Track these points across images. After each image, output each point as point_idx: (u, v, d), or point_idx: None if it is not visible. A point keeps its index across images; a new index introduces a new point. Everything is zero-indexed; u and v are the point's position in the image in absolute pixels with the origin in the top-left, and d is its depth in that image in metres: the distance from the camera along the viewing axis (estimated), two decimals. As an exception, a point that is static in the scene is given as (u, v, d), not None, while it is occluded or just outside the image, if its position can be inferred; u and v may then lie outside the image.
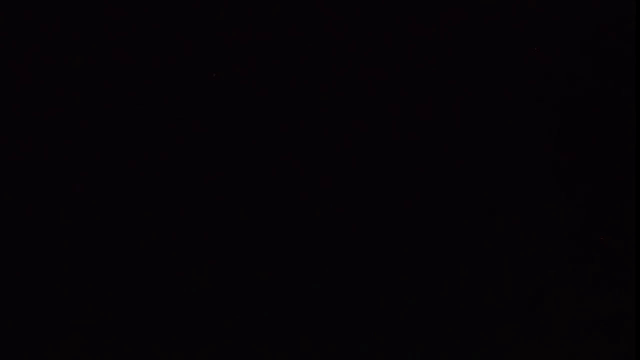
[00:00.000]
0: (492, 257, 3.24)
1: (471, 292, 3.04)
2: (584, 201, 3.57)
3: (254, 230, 3.42)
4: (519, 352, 2.82)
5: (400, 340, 2.90)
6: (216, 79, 4.35)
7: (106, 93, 4.27)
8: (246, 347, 2.89)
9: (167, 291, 3.06)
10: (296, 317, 2.97)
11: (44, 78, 4.24)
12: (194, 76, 3.81)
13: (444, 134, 3.70)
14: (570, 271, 3.16)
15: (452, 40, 4.29)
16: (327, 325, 2.92)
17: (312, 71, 3.62)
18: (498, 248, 3.31)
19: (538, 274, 3.13)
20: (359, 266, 3.20)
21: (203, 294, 3.06)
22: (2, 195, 3.67)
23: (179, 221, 3.45)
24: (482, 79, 4.04)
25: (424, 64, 3.89)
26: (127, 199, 3.65)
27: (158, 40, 4.30)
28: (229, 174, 3.42)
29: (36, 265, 3.19)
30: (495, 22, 4.21)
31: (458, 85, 4.03)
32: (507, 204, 3.49)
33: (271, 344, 2.91)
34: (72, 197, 3.65)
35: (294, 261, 3.22)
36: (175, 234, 3.37)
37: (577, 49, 4.09)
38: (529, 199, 3.42)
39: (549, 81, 4.12)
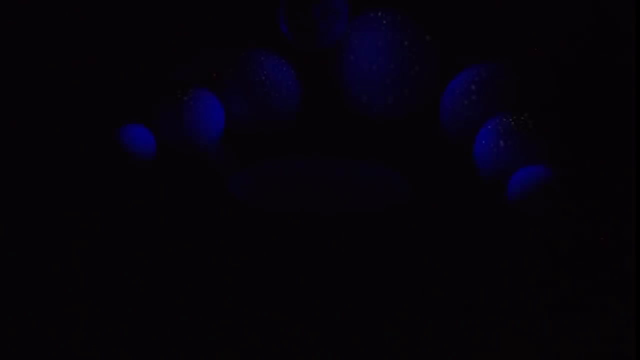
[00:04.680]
0: (491, 256, 3.24)
1: (470, 291, 3.04)
2: (583, 201, 3.57)
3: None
4: (519, 352, 2.82)
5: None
6: (216, 78, 4.36)
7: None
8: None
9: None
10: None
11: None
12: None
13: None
14: (570, 271, 3.16)
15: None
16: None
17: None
18: (498, 246, 3.31)
19: (537, 274, 3.14)
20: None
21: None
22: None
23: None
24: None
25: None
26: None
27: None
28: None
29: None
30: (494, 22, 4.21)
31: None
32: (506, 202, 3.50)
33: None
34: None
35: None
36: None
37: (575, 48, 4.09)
38: (529, 196, 3.42)
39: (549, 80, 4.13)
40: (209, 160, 4.10)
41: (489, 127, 3.70)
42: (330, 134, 4.37)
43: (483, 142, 3.69)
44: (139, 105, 4.14)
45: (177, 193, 3.71)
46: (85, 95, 4.29)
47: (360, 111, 4.39)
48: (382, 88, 4.30)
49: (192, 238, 3.33)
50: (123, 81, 4.29)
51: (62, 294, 2.99)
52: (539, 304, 2.97)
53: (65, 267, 3.13)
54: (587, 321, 2.88)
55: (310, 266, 3.15)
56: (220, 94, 4.20)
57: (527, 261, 3.22)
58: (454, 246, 3.30)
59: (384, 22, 4.28)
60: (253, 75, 4.23)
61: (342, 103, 4.43)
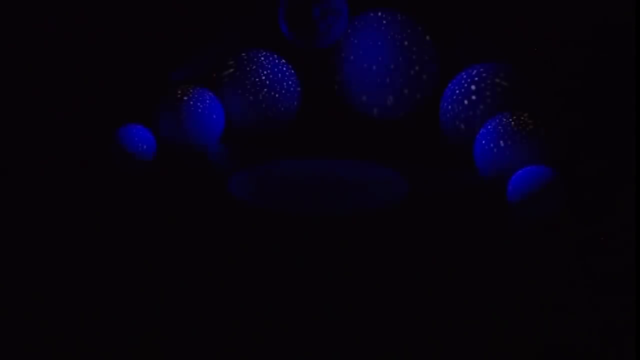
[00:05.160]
0: (491, 256, 3.25)
1: (470, 291, 3.04)
2: (584, 201, 3.57)
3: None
4: (518, 352, 2.82)
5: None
6: (215, 78, 4.36)
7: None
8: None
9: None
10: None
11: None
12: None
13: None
14: (570, 271, 3.16)
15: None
16: None
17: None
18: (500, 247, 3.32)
19: (537, 274, 3.14)
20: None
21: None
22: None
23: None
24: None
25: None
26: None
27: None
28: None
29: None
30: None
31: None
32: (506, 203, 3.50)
33: None
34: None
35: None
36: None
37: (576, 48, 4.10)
38: (529, 196, 3.42)
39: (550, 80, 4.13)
40: (209, 160, 4.10)
41: (489, 127, 3.70)
42: (330, 134, 4.37)
43: (483, 142, 3.69)
44: (139, 105, 4.15)
45: (177, 193, 3.71)
46: (86, 95, 4.29)
47: (360, 111, 4.39)
48: (382, 88, 4.30)
49: (191, 238, 3.33)
50: (123, 81, 4.29)
51: (61, 293, 2.99)
52: (539, 304, 2.97)
53: (65, 267, 3.14)
54: (587, 321, 2.88)
55: (309, 266, 3.15)
56: (220, 94, 4.20)
57: (527, 261, 3.22)
58: (453, 246, 3.30)
59: (384, 22, 4.28)
60: (253, 75, 4.23)
61: (342, 103, 4.43)
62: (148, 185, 3.79)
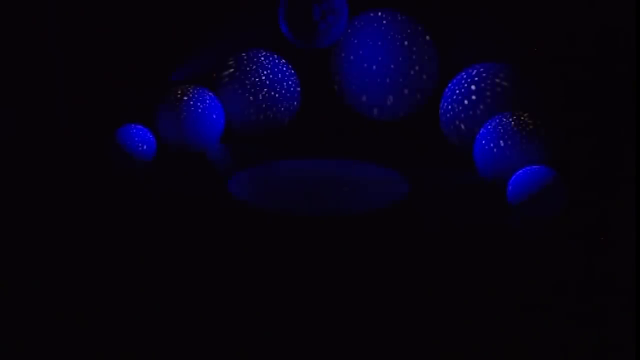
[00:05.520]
0: (491, 257, 3.25)
1: (470, 292, 3.04)
2: (585, 201, 3.57)
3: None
4: (518, 353, 2.82)
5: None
6: (215, 78, 4.36)
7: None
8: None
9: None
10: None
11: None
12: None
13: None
14: (570, 271, 3.16)
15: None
16: None
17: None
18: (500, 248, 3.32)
19: (537, 275, 3.14)
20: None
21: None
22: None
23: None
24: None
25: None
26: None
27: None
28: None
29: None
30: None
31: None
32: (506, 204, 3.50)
33: None
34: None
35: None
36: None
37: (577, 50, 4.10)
38: (529, 197, 3.42)
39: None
40: (208, 160, 4.10)
41: (489, 127, 3.70)
42: (330, 134, 4.37)
43: (483, 142, 3.69)
44: (139, 105, 4.15)
45: (177, 193, 3.71)
46: (86, 95, 4.29)
47: (360, 111, 4.39)
48: (382, 88, 4.30)
49: (191, 238, 3.33)
50: (123, 81, 4.29)
51: (61, 293, 2.99)
52: (539, 304, 2.97)
53: (65, 267, 3.14)
54: (587, 321, 2.88)
55: (309, 266, 3.15)
56: (220, 94, 4.20)
57: (527, 261, 3.22)
58: (454, 247, 3.30)
59: (384, 22, 4.28)
60: (253, 75, 4.23)
61: (342, 103, 4.43)
62: (148, 185, 3.79)
